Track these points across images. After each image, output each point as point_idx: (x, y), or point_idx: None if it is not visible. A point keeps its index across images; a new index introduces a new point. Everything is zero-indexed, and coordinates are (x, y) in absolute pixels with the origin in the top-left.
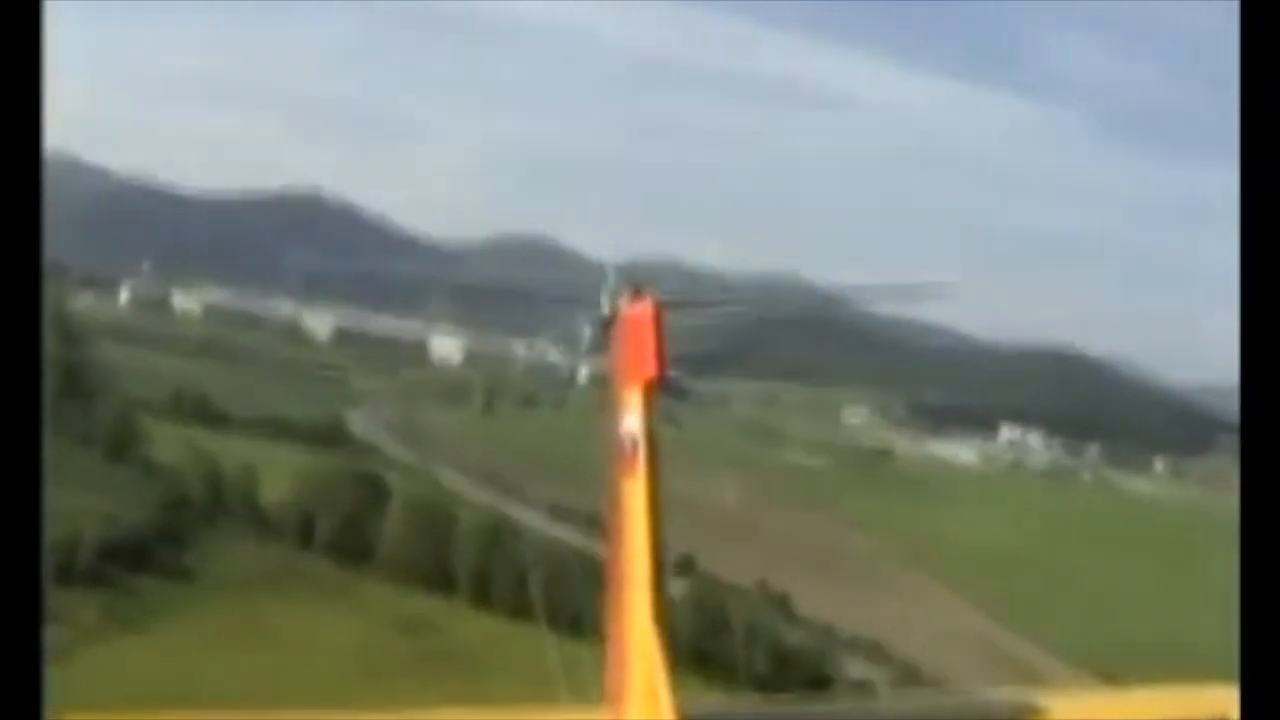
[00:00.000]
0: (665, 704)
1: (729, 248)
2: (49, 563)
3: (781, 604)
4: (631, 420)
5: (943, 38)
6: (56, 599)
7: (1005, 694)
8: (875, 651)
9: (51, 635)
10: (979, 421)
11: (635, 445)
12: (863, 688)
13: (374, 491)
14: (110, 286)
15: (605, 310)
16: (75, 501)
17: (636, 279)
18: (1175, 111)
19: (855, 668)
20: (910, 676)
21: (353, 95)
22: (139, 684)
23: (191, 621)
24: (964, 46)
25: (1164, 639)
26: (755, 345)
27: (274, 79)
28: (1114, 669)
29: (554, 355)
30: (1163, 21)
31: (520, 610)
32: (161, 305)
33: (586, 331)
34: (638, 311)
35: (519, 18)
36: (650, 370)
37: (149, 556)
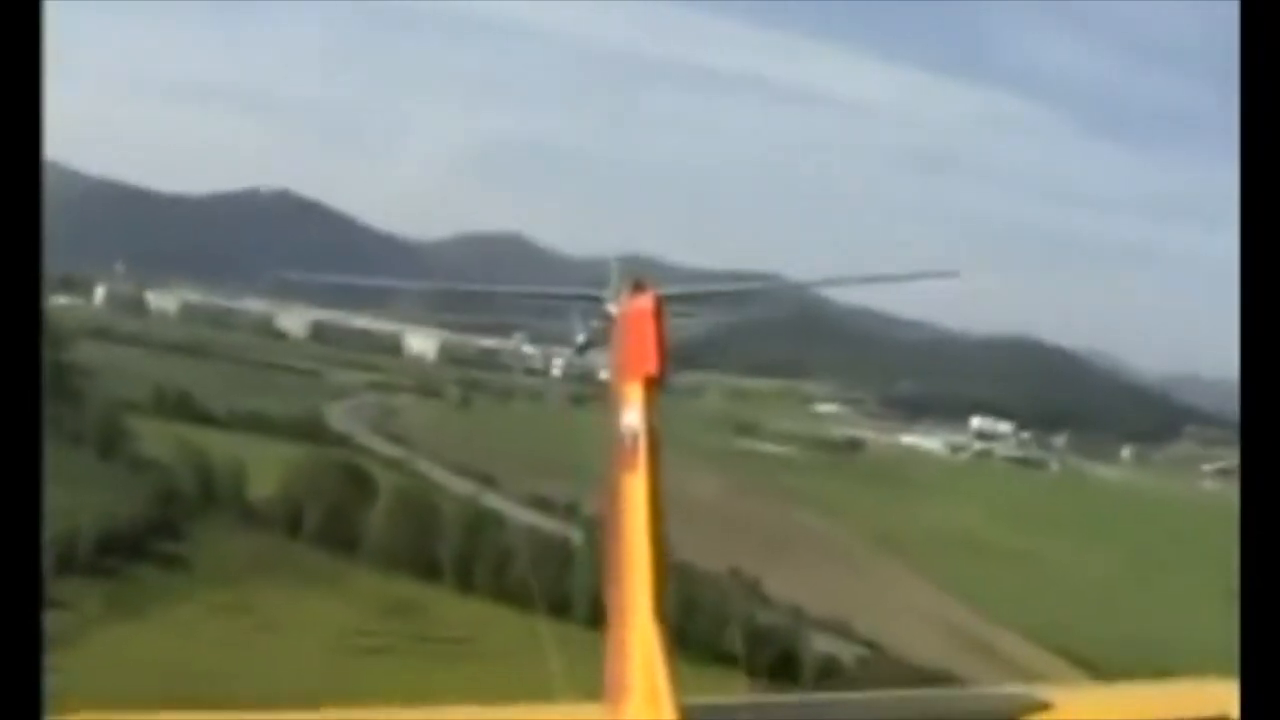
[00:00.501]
0: (667, 702)
1: (704, 245)
2: (52, 556)
3: (753, 589)
4: (632, 415)
5: (917, 32)
6: (62, 589)
7: (1003, 690)
8: (844, 631)
9: (58, 622)
10: (950, 412)
11: (635, 440)
12: (830, 663)
13: (359, 483)
14: (86, 287)
15: (610, 306)
16: (72, 498)
17: (638, 274)
18: (1149, 105)
19: (823, 644)
20: (877, 655)
21: (324, 94)
22: (140, 666)
23: (189, 608)
24: (938, 41)
25: (1130, 620)
26: (728, 339)
27: (246, 79)
28: (1079, 649)
29: (529, 350)
30: (1140, 17)
31: (502, 594)
32: (137, 305)
33: (582, 328)
34: (638, 306)
35: (491, 16)
36: (651, 366)
37: (146, 548)
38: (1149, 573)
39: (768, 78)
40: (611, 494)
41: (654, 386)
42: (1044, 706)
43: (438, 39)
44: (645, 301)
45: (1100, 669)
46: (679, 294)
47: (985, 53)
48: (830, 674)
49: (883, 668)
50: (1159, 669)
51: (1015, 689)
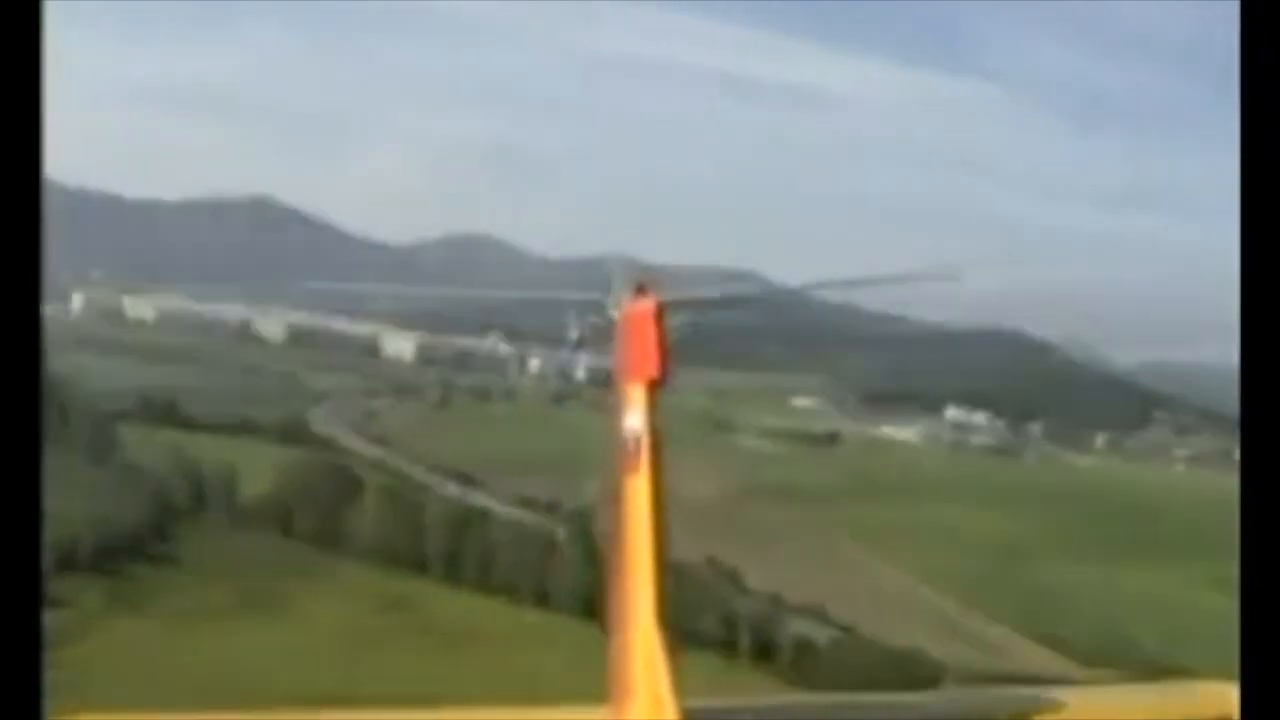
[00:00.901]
0: (668, 704)
1: (688, 245)
2: (55, 558)
3: (733, 578)
4: (634, 418)
5: (907, 29)
6: (65, 588)
7: (1007, 691)
8: (821, 617)
9: (63, 619)
10: (926, 404)
11: (638, 442)
12: (807, 645)
13: (347, 483)
14: (63, 295)
15: (612, 311)
16: (71, 503)
17: (640, 277)
18: (1125, 96)
19: (801, 629)
20: (853, 638)
21: (303, 99)
22: (139, 661)
23: (188, 604)
24: (928, 38)
25: (1102, 605)
26: (708, 336)
27: (223, 84)
28: (1052, 632)
29: (504, 349)
30: (1131, 13)
31: (490, 587)
32: (115, 312)
33: (576, 326)
34: (640, 310)
35: (471, 18)
36: (653, 369)
37: (145, 549)
38: (1123, 559)
39: (753, 77)
40: (614, 496)
41: (656, 389)
42: (1047, 707)
43: (417, 43)
44: (647, 305)
45: (1072, 650)
46: (681, 300)
47: (971, 48)
48: (806, 654)
49: (859, 651)
50: (1131, 653)
51: (1020, 690)
